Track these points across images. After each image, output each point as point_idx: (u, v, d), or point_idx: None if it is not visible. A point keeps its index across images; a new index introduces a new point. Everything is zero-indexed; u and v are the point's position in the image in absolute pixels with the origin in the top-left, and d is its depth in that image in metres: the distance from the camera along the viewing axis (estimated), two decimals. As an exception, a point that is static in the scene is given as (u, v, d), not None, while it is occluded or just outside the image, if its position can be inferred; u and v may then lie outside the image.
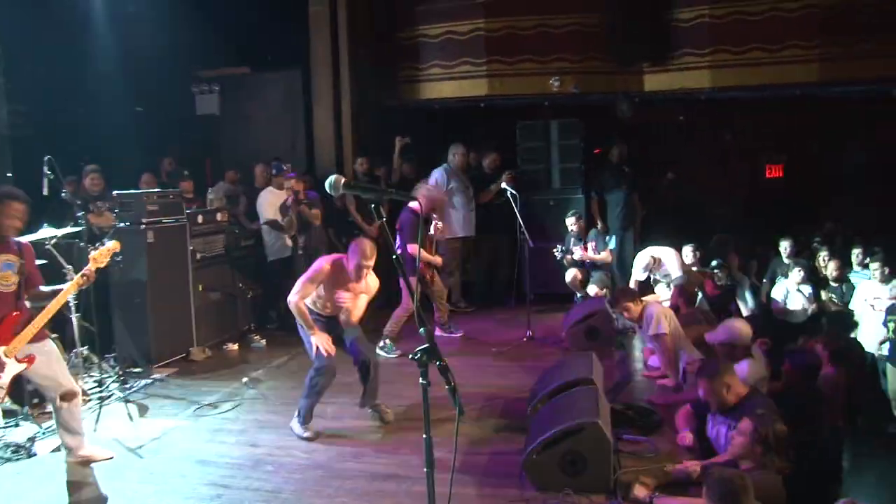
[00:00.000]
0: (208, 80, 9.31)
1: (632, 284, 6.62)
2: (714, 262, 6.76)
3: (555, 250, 7.19)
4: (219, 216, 6.87)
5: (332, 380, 4.40)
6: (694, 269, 6.71)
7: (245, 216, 7.54)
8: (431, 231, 6.31)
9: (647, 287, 6.78)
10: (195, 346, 6.26)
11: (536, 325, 6.66)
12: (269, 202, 6.95)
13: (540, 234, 7.19)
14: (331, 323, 4.50)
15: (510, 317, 7.38)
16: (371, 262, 4.25)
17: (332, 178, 2.43)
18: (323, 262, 4.34)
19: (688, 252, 6.79)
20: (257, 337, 6.81)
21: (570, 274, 7.26)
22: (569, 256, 7.24)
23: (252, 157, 8.06)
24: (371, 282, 4.43)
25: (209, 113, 9.33)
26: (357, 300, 4.42)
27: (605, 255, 7.24)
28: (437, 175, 7.56)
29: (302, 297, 4.28)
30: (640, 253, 6.82)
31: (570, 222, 7.40)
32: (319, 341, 4.28)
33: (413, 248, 5.92)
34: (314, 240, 7.06)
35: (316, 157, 8.72)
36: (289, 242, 6.95)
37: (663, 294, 6.56)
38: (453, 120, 9.08)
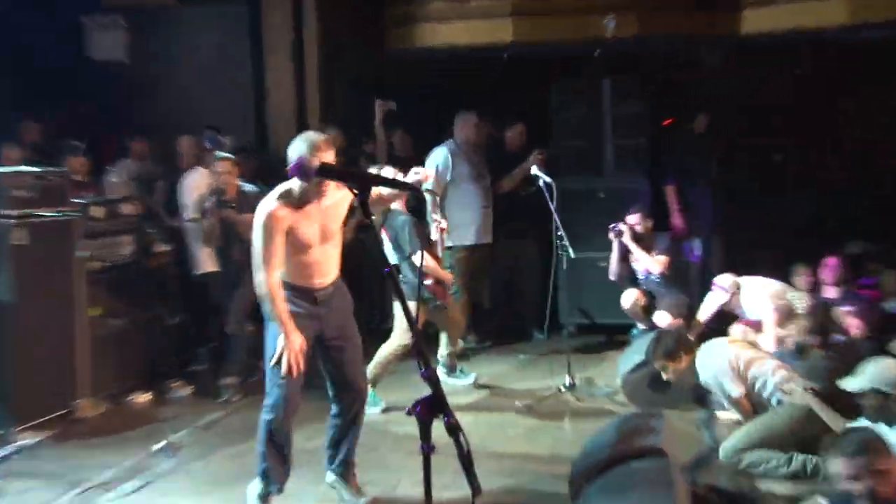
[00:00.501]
0: (109, 11, 9.25)
1: (701, 320, 6.59)
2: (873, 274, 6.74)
3: (612, 227, 7.21)
4: (125, 208, 6.83)
5: (293, 416, 4.29)
6: (810, 301, 6.52)
7: (164, 208, 7.50)
8: (436, 235, 6.29)
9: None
10: (84, 397, 6.15)
11: (579, 369, 6.63)
12: (199, 187, 6.89)
13: (584, 240, 7.20)
14: (319, 313, 4.31)
15: (541, 356, 7.44)
16: (330, 155, 3.95)
17: (302, 160, 2.69)
18: (266, 207, 4.10)
19: (803, 274, 6.72)
20: (178, 383, 6.77)
21: (630, 296, 7.20)
22: (620, 228, 7.16)
23: (175, 124, 8.01)
24: (339, 194, 4.23)
25: (111, 59, 9.28)
26: (334, 223, 4.28)
27: (658, 262, 7.14)
28: (437, 156, 7.52)
29: (273, 268, 4.07)
30: (722, 276, 6.70)
31: (634, 220, 7.32)
32: (289, 351, 4.06)
33: (418, 259, 5.74)
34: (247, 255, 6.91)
35: (269, 126, 8.77)
36: (207, 260, 6.82)
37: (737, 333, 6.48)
38: (464, 77, 9.10)
